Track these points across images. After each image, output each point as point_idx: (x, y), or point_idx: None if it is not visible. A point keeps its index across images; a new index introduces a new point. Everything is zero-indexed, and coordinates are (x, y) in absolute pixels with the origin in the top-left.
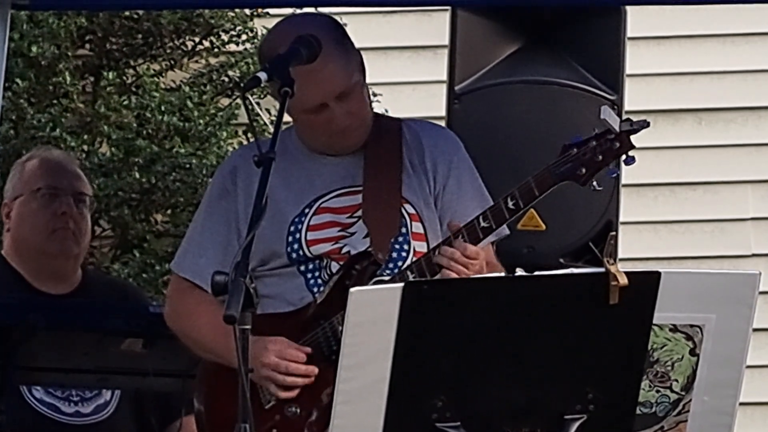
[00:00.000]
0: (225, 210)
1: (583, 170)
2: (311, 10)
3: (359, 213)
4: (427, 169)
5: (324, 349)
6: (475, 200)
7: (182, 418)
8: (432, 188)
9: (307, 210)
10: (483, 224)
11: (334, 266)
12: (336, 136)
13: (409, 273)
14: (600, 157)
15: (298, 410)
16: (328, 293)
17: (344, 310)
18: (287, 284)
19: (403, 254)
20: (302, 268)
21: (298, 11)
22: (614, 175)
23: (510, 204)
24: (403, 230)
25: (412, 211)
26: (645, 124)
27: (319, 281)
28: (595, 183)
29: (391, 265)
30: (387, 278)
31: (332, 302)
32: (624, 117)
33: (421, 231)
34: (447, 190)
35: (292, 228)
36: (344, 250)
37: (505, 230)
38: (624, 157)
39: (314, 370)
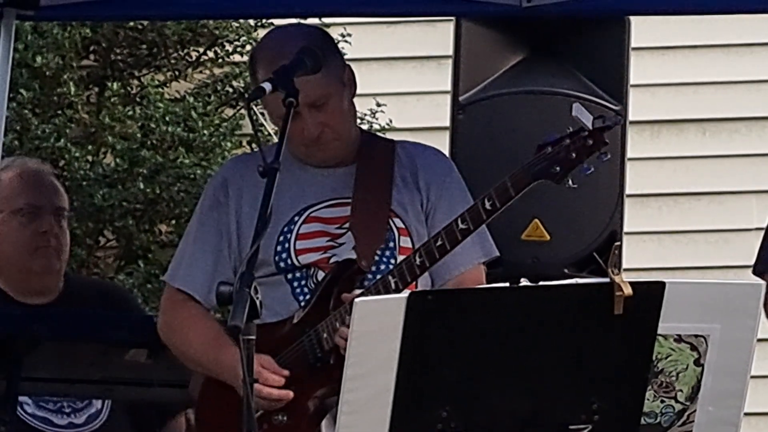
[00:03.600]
0: (216, 221)
1: (558, 168)
2: (315, 20)
3: (348, 224)
4: (420, 187)
5: (310, 357)
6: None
7: (184, 413)
8: (424, 205)
9: (296, 218)
10: (461, 226)
11: (321, 275)
12: (311, 146)
13: (390, 278)
14: (574, 155)
15: (285, 418)
16: (314, 302)
17: (329, 318)
18: (274, 293)
19: (390, 267)
20: (289, 276)
21: (301, 22)
22: (589, 172)
23: (487, 205)
24: (391, 244)
25: (401, 225)
26: (618, 121)
27: (306, 290)
28: (570, 181)
29: (378, 277)
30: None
31: (318, 310)
32: (624, 129)
33: (410, 245)
34: (438, 210)
35: (281, 237)
36: (332, 260)
37: (494, 251)
38: (598, 154)
39: (288, 395)
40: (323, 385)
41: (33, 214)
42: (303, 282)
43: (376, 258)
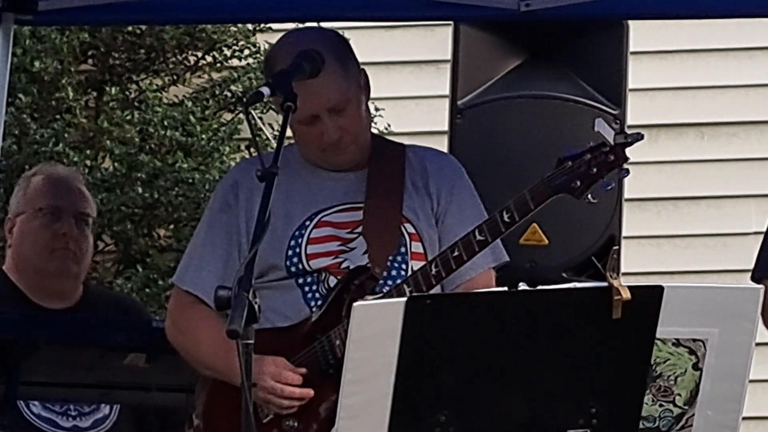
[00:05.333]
0: (226, 224)
1: (578, 183)
2: (314, 24)
3: (359, 229)
4: (431, 192)
5: (321, 363)
6: (477, 224)
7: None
8: (434, 210)
9: (307, 223)
10: (479, 237)
11: (333, 280)
12: (328, 150)
13: (405, 287)
14: (594, 170)
15: (296, 423)
16: (326, 307)
17: (341, 324)
18: (284, 297)
19: (402, 273)
20: (300, 281)
21: (301, 26)
22: (609, 187)
23: (506, 217)
24: (402, 249)
25: (412, 230)
26: (639, 137)
27: (317, 295)
28: (590, 196)
29: (390, 282)
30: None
31: (330, 316)
32: (620, 130)
33: (421, 251)
34: (449, 214)
35: (292, 241)
36: (344, 264)
37: (504, 257)
38: (618, 169)
39: (309, 393)
40: (335, 391)
41: (54, 215)
42: (314, 287)
43: (388, 264)
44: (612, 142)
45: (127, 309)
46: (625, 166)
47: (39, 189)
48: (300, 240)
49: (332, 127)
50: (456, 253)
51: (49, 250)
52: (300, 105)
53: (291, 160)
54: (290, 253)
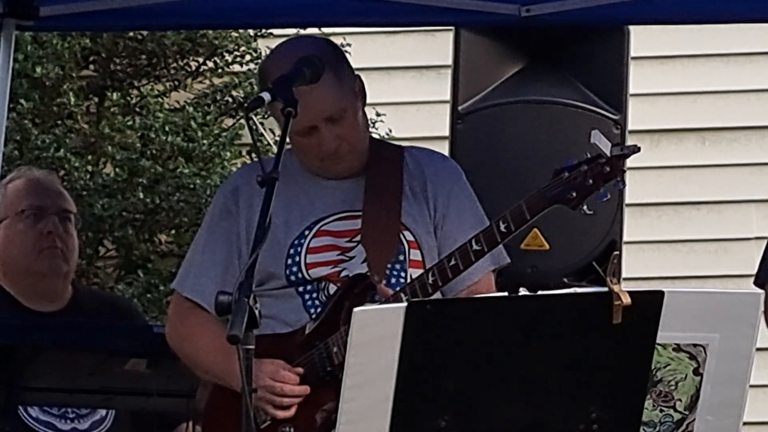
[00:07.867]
0: (226, 230)
1: (574, 194)
2: (315, 30)
3: (358, 237)
4: (428, 197)
5: (319, 370)
6: (476, 228)
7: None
8: (432, 216)
9: (306, 232)
10: (475, 247)
11: (332, 288)
12: (327, 160)
13: (402, 295)
14: (591, 181)
15: (292, 430)
16: (325, 315)
17: (339, 332)
18: (284, 305)
19: (401, 280)
20: (300, 289)
21: (301, 32)
22: (605, 199)
23: (502, 227)
24: (401, 257)
25: (410, 238)
26: (636, 149)
27: (317, 302)
28: (585, 207)
29: (390, 292)
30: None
31: (328, 324)
32: (623, 138)
33: (419, 258)
34: (447, 219)
35: (291, 251)
36: (343, 274)
37: (505, 259)
38: (614, 181)
39: (307, 389)
40: (332, 398)
41: (37, 216)
42: (314, 294)
43: (387, 272)
44: (609, 154)
45: (119, 309)
46: (622, 177)
47: (19, 192)
48: (299, 249)
49: (330, 136)
50: (453, 263)
51: (38, 251)
52: (297, 116)
53: (289, 167)
54: (290, 262)
